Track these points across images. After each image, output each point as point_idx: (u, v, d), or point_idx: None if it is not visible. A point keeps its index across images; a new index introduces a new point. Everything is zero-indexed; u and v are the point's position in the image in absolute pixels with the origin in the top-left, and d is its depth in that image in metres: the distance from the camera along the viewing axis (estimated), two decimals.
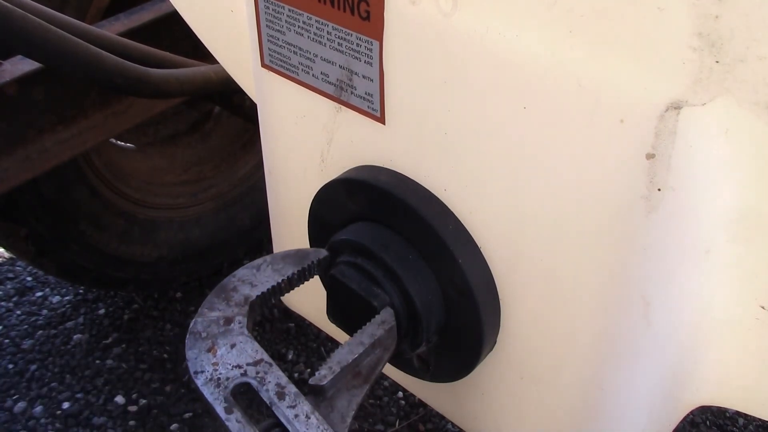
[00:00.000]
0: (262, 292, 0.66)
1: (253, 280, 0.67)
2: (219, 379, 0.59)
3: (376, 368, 0.65)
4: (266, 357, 0.61)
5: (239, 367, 0.60)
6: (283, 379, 0.60)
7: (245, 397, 0.59)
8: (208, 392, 0.58)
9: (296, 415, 0.57)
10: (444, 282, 0.67)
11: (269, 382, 0.59)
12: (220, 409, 0.57)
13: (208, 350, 0.61)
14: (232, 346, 0.62)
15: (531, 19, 0.52)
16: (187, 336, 0.62)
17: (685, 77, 0.47)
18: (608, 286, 0.58)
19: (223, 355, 0.61)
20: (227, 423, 0.56)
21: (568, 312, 0.62)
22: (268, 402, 0.58)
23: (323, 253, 0.71)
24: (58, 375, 1.67)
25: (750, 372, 0.61)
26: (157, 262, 1.72)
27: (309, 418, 0.57)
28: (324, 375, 0.61)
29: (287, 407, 0.58)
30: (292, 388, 0.59)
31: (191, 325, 0.63)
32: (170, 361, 1.72)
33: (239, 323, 0.63)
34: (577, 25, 0.50)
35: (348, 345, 0.64)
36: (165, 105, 1.45)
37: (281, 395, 0.58)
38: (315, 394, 0.61)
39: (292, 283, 0.68)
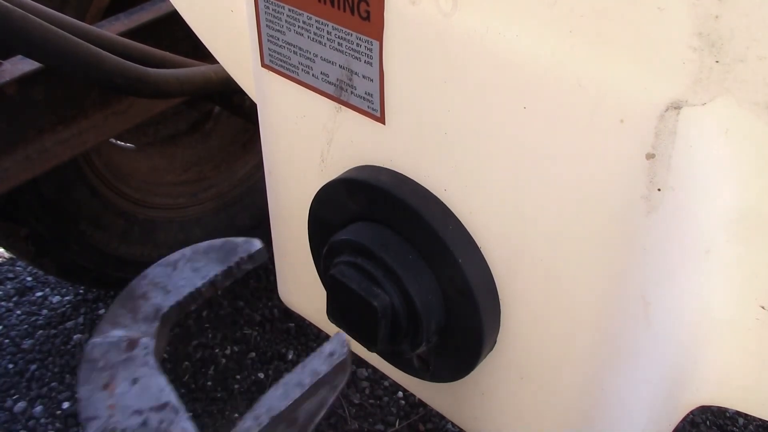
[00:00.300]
0: (177, 302, 0.55)
1: (167, 283, 0.56)
2: (114, 430, 0.49)
3: (318, 414, 0.54)
4: (173, 398, 0.51)
5: (139, 413, 0.49)
6: (190, 430, 0.50)
7: None
8: None
9: None
10: (444, 282, 0.67)
11: None
12: None
13: (105, 387, 0.50)
14: (134, 381, 0.51)
15: (531, 19, 0.52)
16: (81, 365, 0.52)
17: (685, 77, 0.47)
18: (608, 286, 0.58)
19: (122, 395, 0.50)
20: None
21: (568, 312, 0.62)
22: None
23: (256, 245, 0.61)
24: (58, 375, 1.67)
25: (750, 372, 0.61)
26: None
27: None
28: (248, 428, 0.50)
29: None
30: None
31: (87, 348, 0.53)
32: (170, 361, 1.72)
33: (144, 348, 0.53)
34: (577, 25, 0.50)
35: (284, 386, 0.53)
36: (165, 105, 1.45)
37: None
38: None
39: (215, 285, 0.58)
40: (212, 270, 0.58)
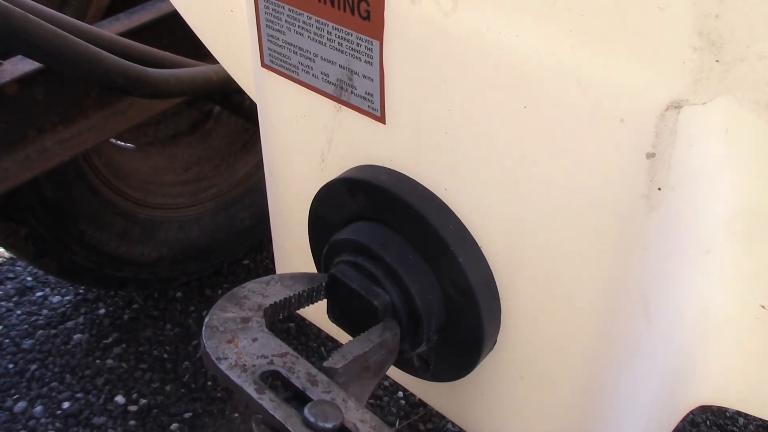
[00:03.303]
0: (275, 302, 0.64)
1: (263, 292, 0.65)
2: (245, 365, 0.56)
3: (383, 367, 0.64)
4: (292, 351, 0.59)
5: (265, 356, 0.57)
6: (313, 369, 0.58)
7: (274, 382, 0.57)
8: (235, 375, 0.55)
9: (333, 399, 0.55)
10: (444, 282, 0.67)
11: (299, 370, 0.57)
12: (251, 390, 0.54)
13: (229, 341, 0.58)
14: (254, 339, 0.59)
15: (531, 19, 0.52)
16: (204, 329, 0.59)
17: (685, 76, 0.47)
18: (608, 285, 0.58)
19: (245, 347, 0.58)
20: (260, 402, 0.53)
21: (568, 311, 0.62)
22: (301, 388, 0.56)
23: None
24: (58, 375, 1.67)
25: (750, 372, 0.61)
26: (157, 261, 1.72)
27: (347, 401, 0.55)
28: (338, 360, 0.60)
29: (322, 392, 0.56)
30: (323, 377, 0.57)
31: (206, 320, 0.60)
32: (170, 361, 1.72)
33: (258, 323, 0.61)
34: (577, 24, 0.50)
35: (358, 340, 0.64)
36: (165, 105, 1.45)
37: (314, 382, 0.56)
38: (328, 377, 0.60)
39: (301, 300, 0.67)
40: (299, 288, 0.67)
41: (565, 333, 0.63)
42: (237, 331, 0.59)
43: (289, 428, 0.52)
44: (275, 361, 0.57)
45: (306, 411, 0.53)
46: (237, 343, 0.57)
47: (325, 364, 0.60)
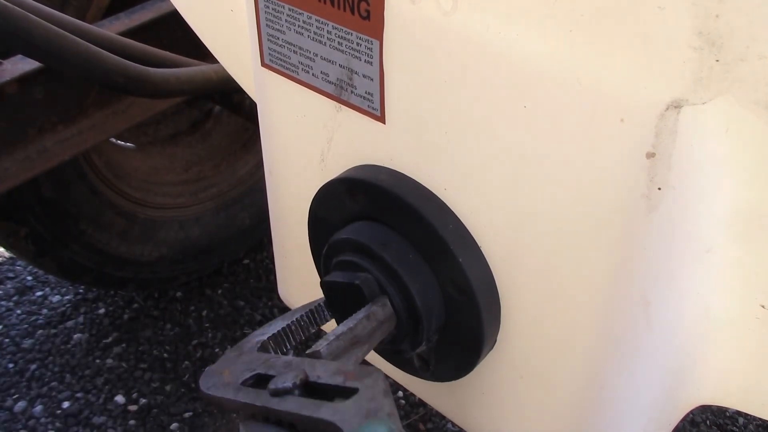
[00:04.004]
0: (273, 333, 0.67)
1: (264, 331, 0.69)
2: (229, 382, 0.60)
3: (374, 334, 0.65)
4: (274, 356, 0.62)
5: (250, 369, 0.61)
6: (290, 358, 0.61)
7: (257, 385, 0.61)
8: (218, 391, 0.59)
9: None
10: (444, 281, 0.67)
11: (277, 365, 0.60)
12: (229, 395, 0.58)
13: (221, 374, 0.62)
14: (244, 363, 0.63)
15: (531, 19, 0.52)
16: (202, 377, 0.63)
17: (685, 76, 0.47)
18: (608, 285, 0.58)
19: (234, 370, 0.62)
20: (236, 398, 0.57)
21: (568, 311, 0.62)
22: (276, 375, 0.59)
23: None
24: (58, 374, 1.67)
25: (750, 372, 0.61)
26: (157, 261, 1.72)
27: (314, 363, 0.58)
28: (320, 343, 0.62)
29: (294, 370, 0.59)
30: (298, 360, 0.60)
31: (207, 368, 0.64)
32: (170, 361, 1.72)
33: (250, 351, 0.65)
34: (577, 24, 0.50)
35: (343, 323, 0.65)
36: (165, 104, 1.45)
37: (288, 366, 0.59)
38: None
39: (302, 324, 0.70)
40: (296, 314, 0.70)
41: (565, 333, 0.63)
42: (230, 364, 0.63)
43: (257, 404, 0.55)
44: (258, 368, 0.60)
45: (270, 383, 0.56)
46: (227, 372, 0.62)
47: (308, 352, 0.62)
